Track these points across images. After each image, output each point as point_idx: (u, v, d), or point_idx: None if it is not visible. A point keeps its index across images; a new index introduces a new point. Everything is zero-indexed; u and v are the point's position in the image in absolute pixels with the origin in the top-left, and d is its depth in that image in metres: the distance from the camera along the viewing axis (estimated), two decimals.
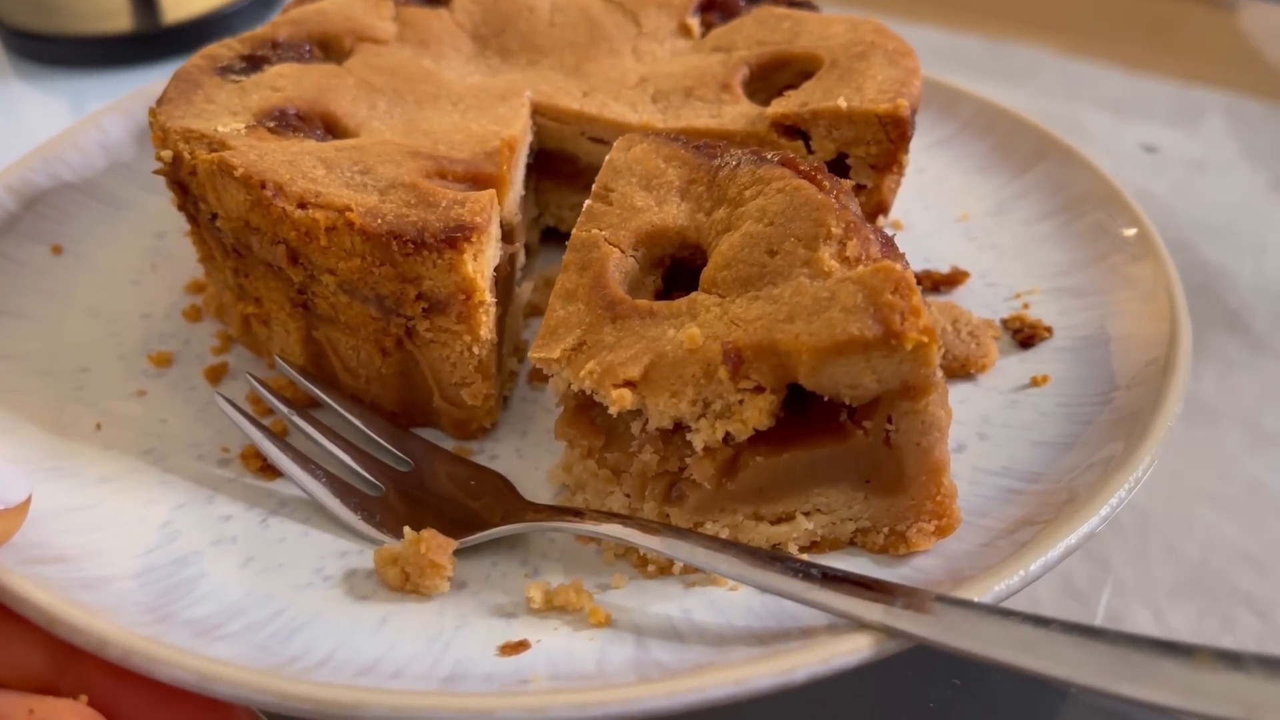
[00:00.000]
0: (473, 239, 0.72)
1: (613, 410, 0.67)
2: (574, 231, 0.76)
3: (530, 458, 0.81)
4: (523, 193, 0.90)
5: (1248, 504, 0.92)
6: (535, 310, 0.95)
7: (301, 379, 0.81)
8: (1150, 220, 0.93)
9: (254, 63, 0.92)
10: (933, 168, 1.11)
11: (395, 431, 0.80)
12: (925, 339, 0.61)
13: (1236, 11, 1.60)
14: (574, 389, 0.70)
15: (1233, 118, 1.40)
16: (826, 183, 0.71)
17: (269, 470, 0.78)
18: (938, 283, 0.95)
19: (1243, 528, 0.90)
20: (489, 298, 0.75)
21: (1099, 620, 0.84)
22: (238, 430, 0.78)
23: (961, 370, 0.86)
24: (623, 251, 0.75)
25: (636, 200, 0.77)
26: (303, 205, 0.73)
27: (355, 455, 0.77)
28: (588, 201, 0.78)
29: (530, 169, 0.94)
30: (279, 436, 0.78)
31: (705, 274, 0.71)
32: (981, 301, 0.94)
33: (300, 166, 0.76)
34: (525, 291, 0.93)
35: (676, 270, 0.77)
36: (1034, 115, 1.35)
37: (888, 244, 0.67)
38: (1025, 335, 0.88)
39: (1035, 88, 1.48)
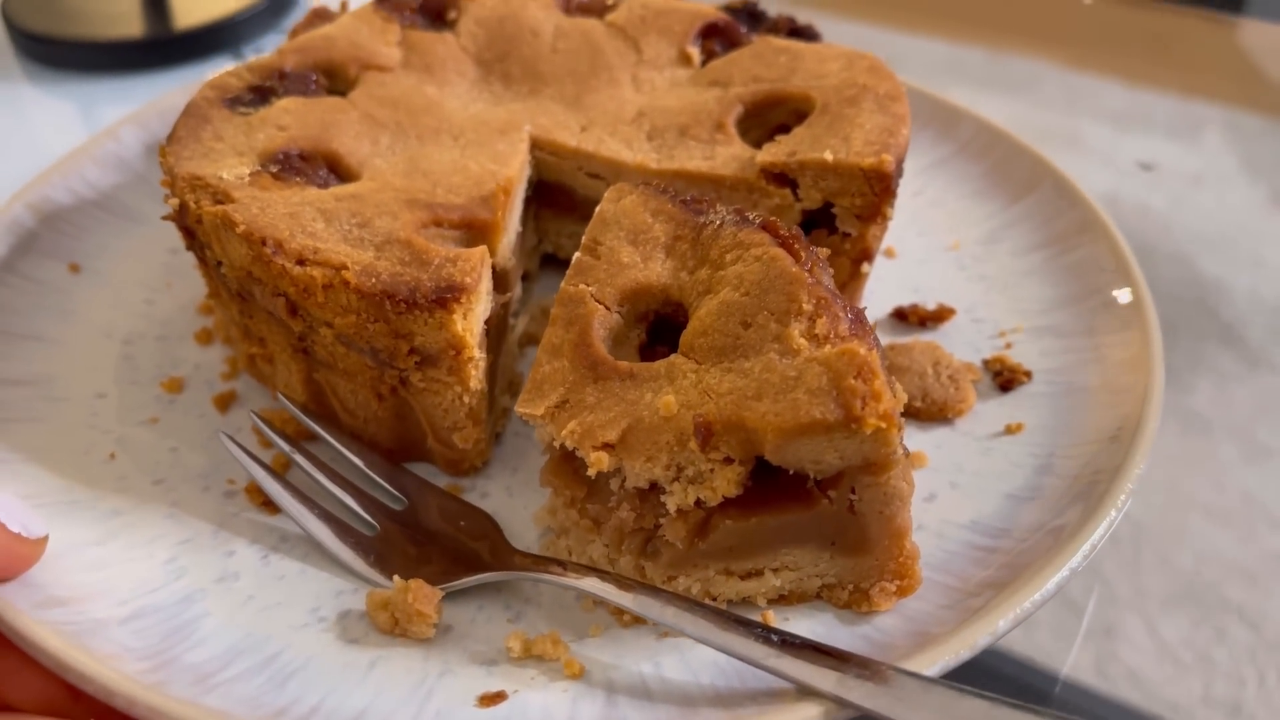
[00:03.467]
0: (462, 299, 0.75)
1: (591, 472, 0.70)
2: (563, 285, 0.79)
3: (520, 496, 0.85)
4: (520, 229, 0.92)
5: (1241, 516, 0.95)
6: (531, 340, 0.98)
7: (302, 416, 0.85)
8: (1146, 233, 0.94)
9: (261, 94, 0.95)
10: (929, 190, 1.13)
11: (391, 469, 0.84)
12: (884, 424, 0.64)
13: (1235, 27, 1.58)
14: (556, 444, 0.73)
15: (1231, 132, 1.40)
16: (803, 253, 0.73)
17: (271, 505, 0.82)
18: (924, 318, 0.98)
19: (1236, 539, 0.93)
20: (478, 353, 0.78)
21: (1084, 628, 0.87)
22: (239, 462, 0.82)
23: (940, 414, 0.88)
24: (608, 308, 0.78)
25: (623, 256, 0.80)
26: (301, 262, 0.76)
27: (352, 493, 0.81)
28: (577, 254, 0.81)
29: (529, 200, 0.97)
30: (280, 473, 0.82)
31: (685, 337, 0.74)
32: (966, 339, 0.96)
33: (300, 220, 0.79)
34: (521, 322, 0.97)
35: (660, 324, 0.80)
36: (1034, 127, 1.37)
37: (857, 320, 0.70)
38: (1005, 379, 0.90)
39: (1036, 100, 1.48)
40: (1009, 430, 0.87)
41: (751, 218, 0.78)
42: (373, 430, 0.85)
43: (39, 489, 0.82)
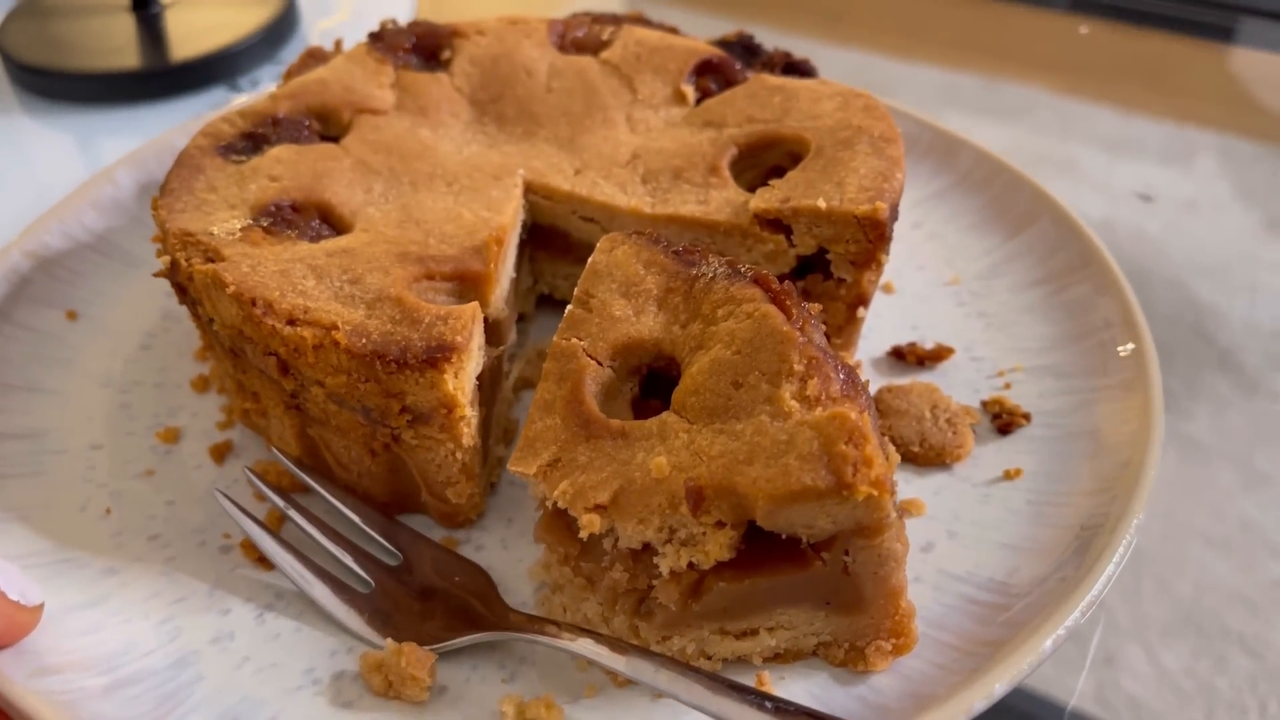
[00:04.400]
0: (453, 359, 0.75)
1: (583, 534, 0.70)
2: (555, 339, 0.79)
3: (514, 549, 0.84)
4: (514, 275, 0.92)
5: (1240, 544, 0.94)
6: (527, 384, 0.98)
7: (296, 470, 0.85)
8: (1142, 259, 0.94)
9: (254, 141, 0.95)
10: (928, 222, 1.12)
11: (385, 523, 0.84)
12: (875, 491, 0.64)
13: (1227, 54, 1.58)
14: (549, 505, 0.73)
15: (1225, 158, 1.39)
16: (794, 310, 0.73)
17: (266, 561, 0.82)
18: (922, 358, 0.97)
19: (1235, 567, 0.92)
20: (469, 411, 0.78)
21: (1090, 659, 0.86)
22: (234, 519, 0.82)
23: (937, 459, 0.88)
24: (600, 363, 0.77)
25: (615, 309, 0.79)
26: (292, 321, 0.76)
27: (347, 549, 0.81)
28: (569, 307, 0.80)
29: (524, 243, 0.96)
30: (275, 528, 0.82)
31: (677, 395, 0.74)
32: (964, 379, 0.96)
33: (291, 278, 0.79)
34: (517, 366, 0.96)
35: (653, 377, 0.79)
36: (1029, 154, 1.37)
37: (849, 380, 0.69)
38: (1004, 422, 0.90)
39: (1030, 126, 1.48)
40: (1007, 476, 0.86)
41: (743, 270, 0.77)
42: (366, 484, 0.85)
43: (34, 547, 0.82)
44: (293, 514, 0.82)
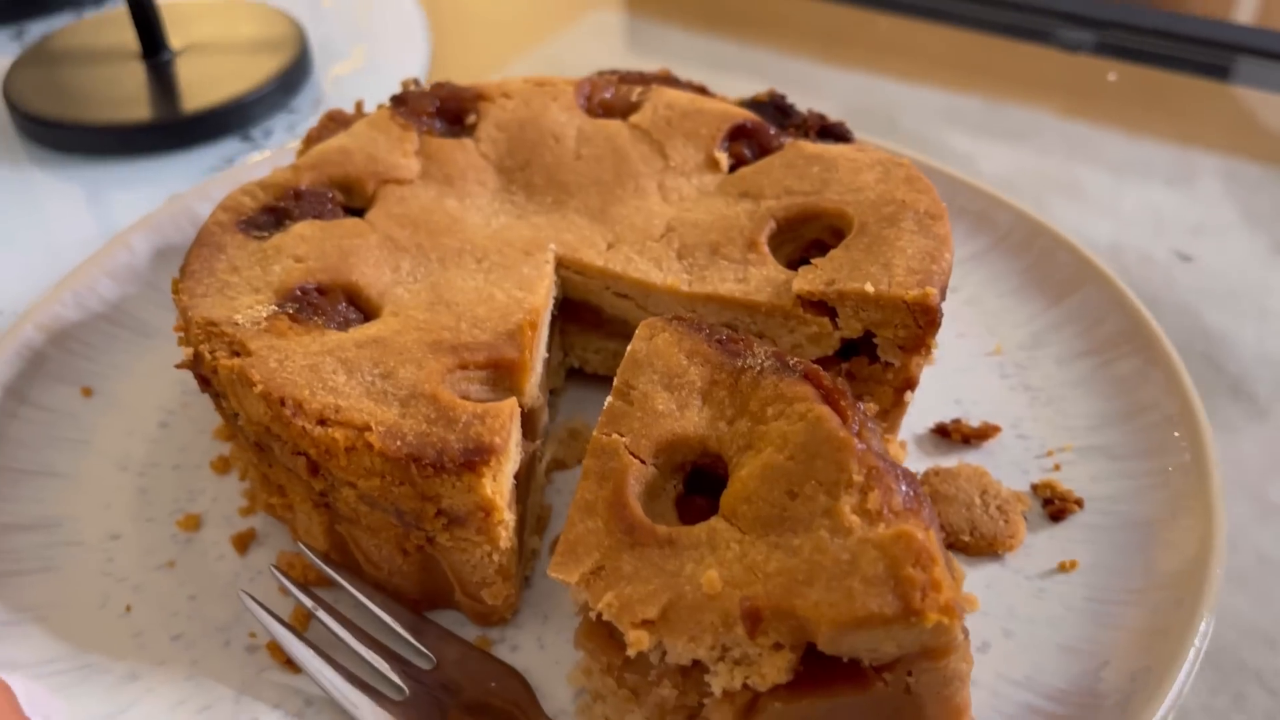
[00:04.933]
0: (491, 462, 0.72)
1: (630, 651, 0.67)
2: (595, 434, 0.75)
3: (552, 649, 0.81)
4: (546, 356, 0.89)
5: (1256, 577, 0.91)
6: (559, 465, 0.95)
7: (324, 566, 0.82)
8: (1150, 284, 0.93)
9: (276, 216, 0.92)
10: (965, 287, 1.09)
11: (417, 623, 0.80)
12: (946, 619, 0.60)
13: (1230, 86, 1.56)
14: (592, 615, 0.70)
15: (1231, 181, 1.37)
16: (849, 411, 0.70)
17: (294, 664, 0.79)
18: (967, 436, 0.94)
19: (1252, 601, 0.89)
20: (508, 515, 0.75)
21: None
22: (261, 622, 0.79)
23: (989, 549, 0.85)
24: (642, 461, 0.74)
25: (658, 403, 0.76)
26: (323, 422, 0.73)
27: (379, 651, 0.78)
28: (609, 399, 0.77)
29: (554, 317, 0.93)
30: (302, 628, 0.78)
31: (725, 501, 0.70)
32: (1011, 458, 0.93)
33: (321, 373, 0.76)
34: (549, 447, 0.93)
35: (697, 473, 0.76)
36: (1034, 176, 1.37)
37: (911, 491, 0.66)
38: (1055, 509, 0.87)
39: (1035, 148, 1.45)
40: (1062, 568, 0.83)
41: (792, 364, 0.74)
42: (397, 582, 0.82)
43: (53, 652, 0.79)
44: (321, 614, 0.79)
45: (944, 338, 1.04)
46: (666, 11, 1.87)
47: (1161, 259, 1.24)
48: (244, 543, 0.88)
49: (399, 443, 0.72)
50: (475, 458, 0.71)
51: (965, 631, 0.65)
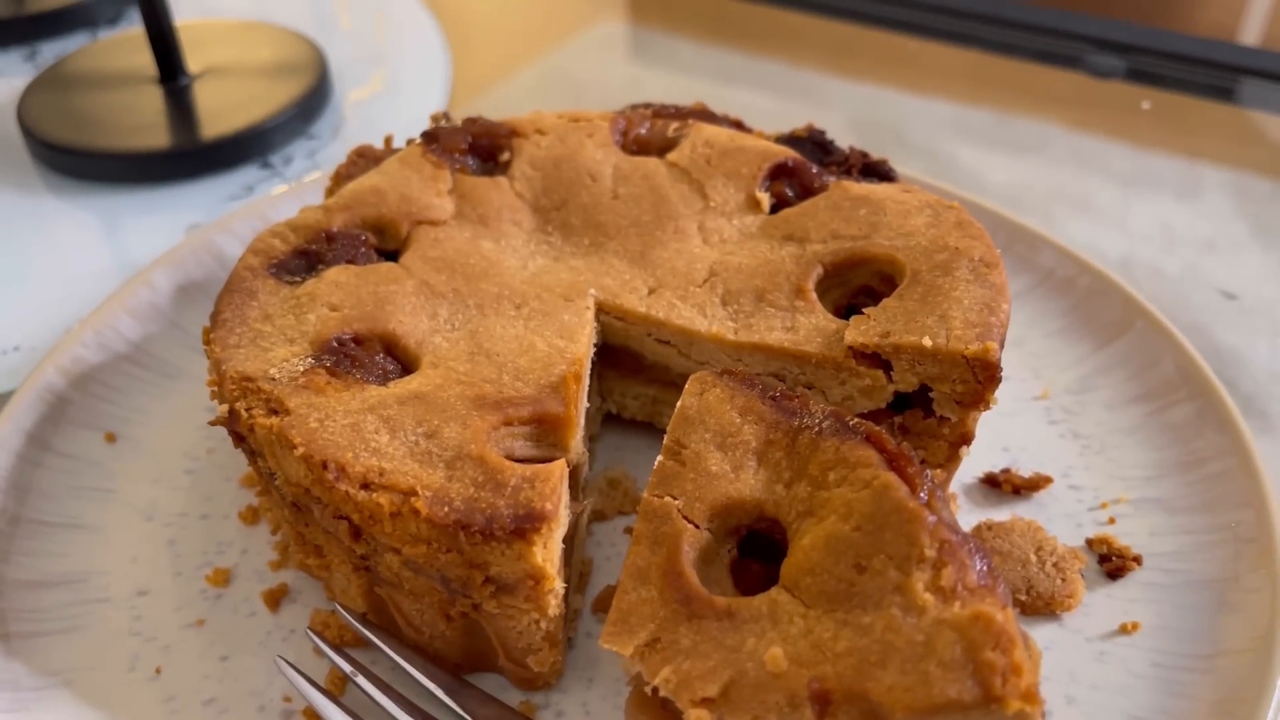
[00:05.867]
0: (542, 529, 0.69)
1: None
2: (646, 496, 0.73)
3: (597, 715, 0.78)
4: (588, 406, 0.86)
5: None
6: (600, 516, 0.92)
7: (362, 629, 0.79)
8: (1161, 300, 0.91)
9: (309, 260, 0.90)
10: (1009, 327, 1.06)
11: (459, 688, 0.78)
12: (1028, 708, 0.58)
13: (1236, 108, 1.54)
14: (647, 690, 0.67)
15: (1241, 196, 1.36)
16: (917, 479, 0.67)
17: None
18: (1018, 487, 0.91)
19: None
20: (558, 583, 0.72)
21: None
22: (298, 690, 0.76)
23: (1045, 609, 0.82)
24: (697, 526, 0.71)
25: (711, 464, 0.73)
26: (367, 486, 0.70)
27: (421, 719, 0.75)
28: (660, 459, 0.75)
29: (593, 363, 0.91)
30: (339, 692, 0.76)
31: (786, 571, 0.68)
32: (1064, 510, 0.90)
33: (363, 433, 0.73)
34: (589, 499, 0.90)
35: (752, 536, 0.74)
36: (1044, 189, 1.35)
37: (985, 567, 0.64)
38: (1113, 566, 0.84)
39: (1045, 160, 1.43)
40: (1124, 630, 0.80)
41: (853, 425, 0.72)
42: (438, 646, 0.79)
43: None
44: (361, 681, 0.76)
45: None
46: (672, 23, 1.85)
47: (1172, 274, 1.22)
48: (276, 599, 0.85)
49: (446, 509, 0.69)
50: (526, 525, 0.68)
51: (1045, 716, 0.62)
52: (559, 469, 0.72)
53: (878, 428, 0.71)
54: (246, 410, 0.76)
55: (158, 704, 0.78)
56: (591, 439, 0.97)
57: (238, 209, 1.14)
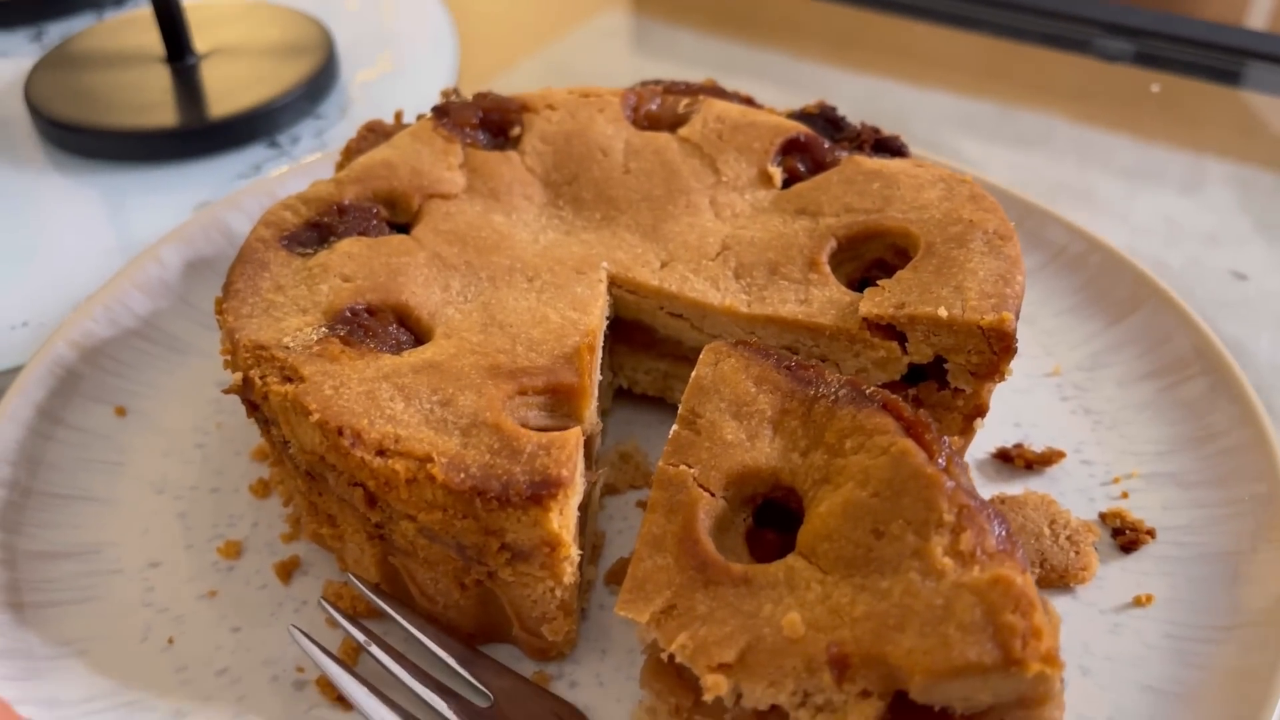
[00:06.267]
0: (558, 495, 0.69)
1: (708, 696, 0.64)
2: (661, 464, 0.73)
3: (611, 685, 0.78)
4: (601, 378, 0.86)
5: None
6: (611, 490, 0.92)
7: (376, 599, 0.79)
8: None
9: (320, 232, 0.89)
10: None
11: (472, 658, 0.78)
12: (1048, 670, 0.58)
13: (1241, 91, 1.53)
14: (664, 656, 0.67)
15: (1245, 190, 1.35)
16: (935, 445, 0.67)
17: (345, 701, 0.76)
18: (1030, 461, 0.91)
19: None
20: (574, 550, 0.72)
21: None
22: (311, 658, 0.76)
23: (1059, 581, 0.82)
24: (712, 494, 0.71)
25: (726, 432, 0.73)
26: (382, 452, 0.70)
27: (435, 689, 0.75)
28: (675, 428, 0.74)
29: (605, 337, 0.90)
30: (352, 662, 0.76)
31: (803, 538, 0.68)
32: (1077, 485, 0.90)
33: (378, 400, 0.73)
34: (601, 473, 0.90)
35: (767, 505, 0.74)
36: (1047, 182, 1.35)
37: (1004, 532, 0.63)
38: (1127, 540, 0.84)
39: (1048, 154, 1.43)
40: (1138, 602, 0.80)
41: (869, 393, 0.72)
42: (452, 615, 0.79)
43: (96, 688, 0.76)
44: (374, 650, 0.76)
45: None
46: (675, 13, 1.84)
47: (1176, 267, 1.21)
48: (288, 571, 0.85)
49: (463, 475, 0.69)
50: (543, 491, 0.68)
51: (1063, 681, 0.62)
52: (574, 436, 0.72)
53: (895, 397, 0.71)
54: (260, 378, 0.75)
55: (170, 673, 0.78)
56: (603, 414, 0.96)
57: (246, 186, 1.14)
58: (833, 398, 0.72)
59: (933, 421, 0.69)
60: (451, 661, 0.77)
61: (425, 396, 0.74)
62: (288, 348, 0.77)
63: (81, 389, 0.96)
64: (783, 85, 1.57)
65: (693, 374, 0.77)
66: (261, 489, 0.91)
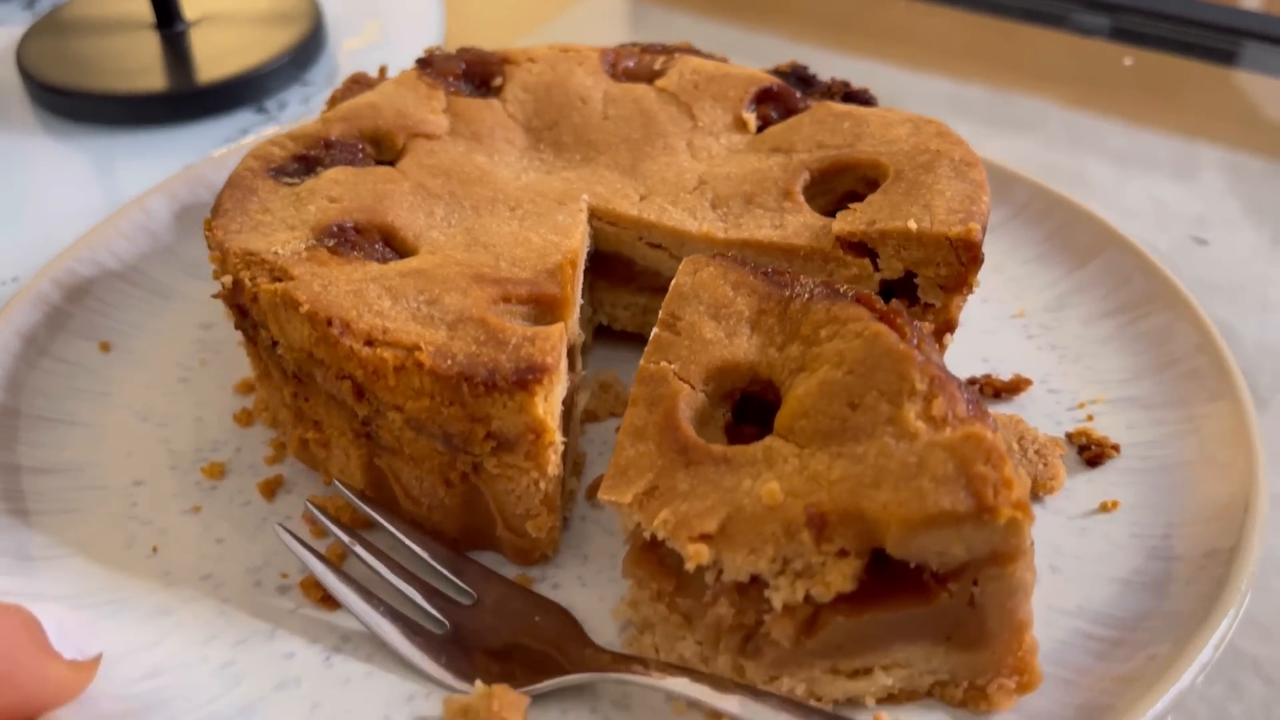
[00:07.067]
0: (544, 380, 0.71)
1: (689, 565, 0.66)
2: (642, 363, 0.75)
3: (594, 586, 0.79)
4: (581, 302, 0.88)
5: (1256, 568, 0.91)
6: (591, 416, 0.94)
7: (360, 503, 0.80)
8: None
9: (307, 164, 0.91)
10: (988, 255, 1.07)
11: (456, 560, 0.79)
12: (1019, 515, 0.60)
13: (1232, 75, 1.58)
14: (645, 535, 0.68)
15: (1234, 174, 1.39)
16: (906, 328, 0.69)
17: (330, 601, 0.77)
18: (999, 390, 0.94)
19: (1251, 592, 0.88)
20: (558, 437, 0.74)
21: None
22: (296, 555, 0.77)
23: (1030, 492, 0.84)
24: (693, 387, 0.73)
25: (705, 331, 0.75)
26: (370, 342, 0.72)
27: (417, 586, 0.76)
28: (655, 330, 0.77)
29: (585, 270, 0.92)
30: (339, 566, 0.77)
31: (781, 419, 0.70)
32: (1044, 411, 0.92)
33: (366, 298, 0.75)
34: (582, 399, 0.92)
35: (746, 402, 0.76)
36: (1039, 166, 1.37)
37: (974, 401, 0.66)
38: (1093, 454, 0.86)
39: (1041, 139, 1.47)
40: (1104, 508, 0.83)
41: (843, 290, 0.74)
42: (437, 518, 0.80)
43: (82, 586, 0.76)
44: (358, 549, 0.77)
45: (967, 302, 1.04)
46: None
47: (1164, 250, 1.24)
48: (271, 489, 0.86)
49: (449, 361, 0.71)
50: (528, 376, 0.70)
51: (1032, 541, 0.64)
52: (559, 330, 0.74)
53: (868, 291, 0.74)
54: (251, 280, 0.77)
55: (154, 577, 0.78)
56: (583, 349, 0.98)
57: (234, 146, 1.16)
58: (808, 295, 0.75)
59: (904, 309, 0.71)
60: (436, 564, 0.78)
61: (412, 296, 0.76)
62: (277, 254, 0.79)
63: (67, 326, 0.97)
64: None
65: (672, 282, 0.79)
66: (245, 418, 0.92)
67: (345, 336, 0.72)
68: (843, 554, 0.63)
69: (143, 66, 1.37)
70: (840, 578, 0.63)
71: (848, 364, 0.69)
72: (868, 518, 0.62)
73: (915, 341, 0.69)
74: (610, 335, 1.01)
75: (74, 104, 1.35)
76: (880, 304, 0.72)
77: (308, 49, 1.43)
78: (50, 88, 1.35)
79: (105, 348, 0.97)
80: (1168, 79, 1.59)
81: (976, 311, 1.04)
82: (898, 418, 0.65)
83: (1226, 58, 1.60)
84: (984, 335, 1.01)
